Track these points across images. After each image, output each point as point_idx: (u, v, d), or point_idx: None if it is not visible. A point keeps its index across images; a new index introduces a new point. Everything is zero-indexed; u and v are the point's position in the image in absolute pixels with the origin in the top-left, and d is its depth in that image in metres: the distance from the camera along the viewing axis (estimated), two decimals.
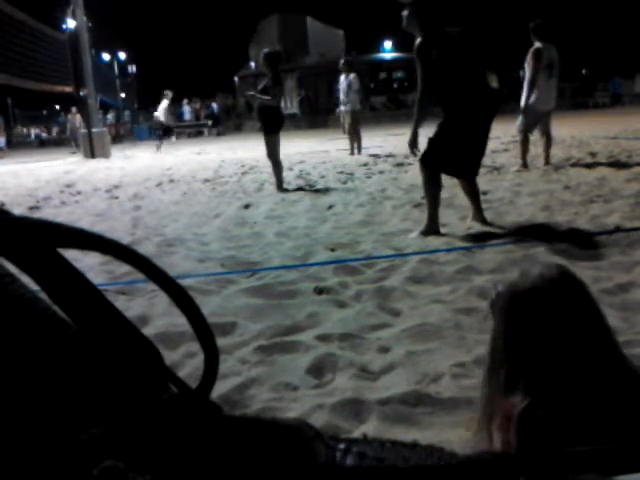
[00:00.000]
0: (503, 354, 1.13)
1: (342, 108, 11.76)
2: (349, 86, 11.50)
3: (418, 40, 4.24)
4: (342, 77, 11.66)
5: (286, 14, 33.16)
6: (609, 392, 1.04)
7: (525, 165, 7.79)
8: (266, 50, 7.40)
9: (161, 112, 17.91)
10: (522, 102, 7.62)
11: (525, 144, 7.79)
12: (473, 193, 4.69)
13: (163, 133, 18.45)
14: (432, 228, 4.42)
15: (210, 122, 31.84)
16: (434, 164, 4.41)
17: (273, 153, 7.43)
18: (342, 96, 11.71)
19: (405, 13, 4.34)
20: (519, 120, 7.74)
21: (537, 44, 7.52)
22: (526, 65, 7.62)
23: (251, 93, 7.63)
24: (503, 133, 11.15)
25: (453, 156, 4.37)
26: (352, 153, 11.87)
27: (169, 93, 17.82)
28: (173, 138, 18.67)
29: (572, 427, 1.02)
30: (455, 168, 4.51)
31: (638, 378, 1.08)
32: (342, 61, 11.94)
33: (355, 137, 11.88)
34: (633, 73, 32.96)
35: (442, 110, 4.40)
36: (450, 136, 4.32)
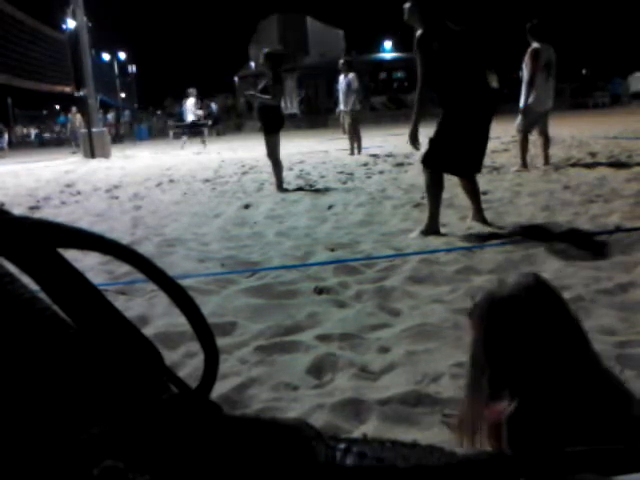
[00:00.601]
0: (485, 361, 1.16)
1: (342, 108, 11.76)
2: (348, 86, 11.50)
3: (419, 32, 4.24)
4: (342, 77, 11.65)
5: (286, 14, 33.22)
6: (584, 391, 1.08)
7: (525, 165, 7.79)
8: (266, 50, 7.40)
9: (189, 110, 18.03)
10: (521, 102, 7.62)
11: (524, 144, 7.80)
12: (473, 192, 4.68)
13: (189, 130, 18.53)
14: (432, 228, 4.42)
15: (210, 122, 31.85)
16: (436, 164, 4.41)
17: (273, 153, 7.43)
18: (342, 96, 11.70)
19: (407, 6, 4.35)
20: (518, 120, 7.75)
21: (535, 44, 7.52)
22: (524, 65, 7.62)
23: (251, 93, 7.63)
24: (503, 133, 11.14)
25: (454, 154, 4.36)
26: (352, 153, 11.86)
27: (194, 91, 17.91)
28: (206, 131, 18.79)
29: (561, 425, 1.04)
30: (457, 166, 4.50)
31: (609, 376, 1.14)
32: (341, 61, 11.94)
33: (355, 137, 11.88)
34: (630, 73, 32.94)
35: (442, 108, 4.40)
36: (450, 134, 4.31)
